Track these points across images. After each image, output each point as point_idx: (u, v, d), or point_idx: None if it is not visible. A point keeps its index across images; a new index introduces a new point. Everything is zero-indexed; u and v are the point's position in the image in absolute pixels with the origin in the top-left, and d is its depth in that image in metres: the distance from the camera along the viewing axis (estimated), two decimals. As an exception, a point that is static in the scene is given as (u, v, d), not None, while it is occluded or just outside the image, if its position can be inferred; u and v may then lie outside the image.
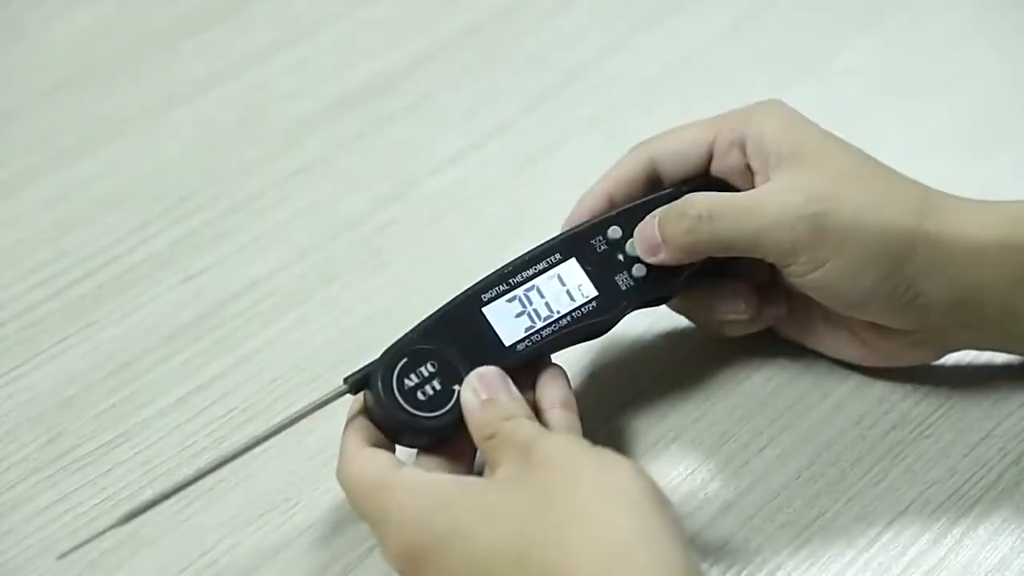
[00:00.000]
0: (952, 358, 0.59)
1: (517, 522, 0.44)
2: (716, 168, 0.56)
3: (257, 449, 0.58)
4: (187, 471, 0.53)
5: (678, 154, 0.56)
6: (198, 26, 0.78)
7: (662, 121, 0.59)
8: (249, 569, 0.54)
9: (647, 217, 0.54)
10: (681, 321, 0.61)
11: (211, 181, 0.70)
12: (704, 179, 0.56)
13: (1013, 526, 0.54)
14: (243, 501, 0.56)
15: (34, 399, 0.60)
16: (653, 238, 0.53)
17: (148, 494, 0.52)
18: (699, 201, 0.52)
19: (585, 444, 0.46)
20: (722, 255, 0.53)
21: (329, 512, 0.56)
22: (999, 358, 0.59)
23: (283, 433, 0.58)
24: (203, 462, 0.57)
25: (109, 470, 0.57)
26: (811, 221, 0.51)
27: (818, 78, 0.75)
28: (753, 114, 0.55)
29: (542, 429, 0.49)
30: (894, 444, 0.57)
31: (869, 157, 0.54)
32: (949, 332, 0.55)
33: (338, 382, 0.60)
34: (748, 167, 0.55)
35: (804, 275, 0.52)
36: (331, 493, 0.56)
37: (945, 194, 0.54)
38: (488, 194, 0.70)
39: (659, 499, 0.44)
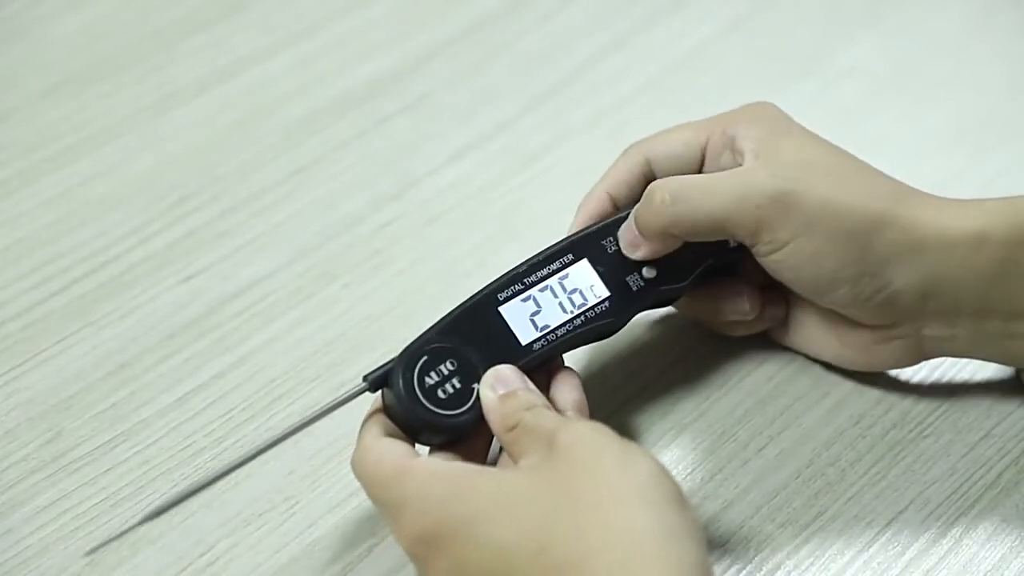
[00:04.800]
0: (951, 359, 0.59)
1: (537, 513, 0.44)
2: (708, 169, 0.56)
3: (257, 448, 0.58)
4: (213, 465, 0.53)
5: (672, 156, 0.57)
6: (197, 26, 0.78)
7: (662, 121, 0.59)
8: (249, 569, 0.54)
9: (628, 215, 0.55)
10: (680, 320, 0.61)
11: (211, 181, 0.70)
12: None
13: (1012, 525, 0.54)
14: (243, 501, 0.56)
15: (33, 399, 0.60)
16: (631, 232, 0.54)
17: (178, 487, 0.52)
18: (664, 185, 0.53)
19: (610, 435, 0.46)
20: (696, 238, 0.53)
21: (329, 512, 0.56)
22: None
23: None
24: (204, 461, 0.58)
25: (108, 470, 0.57)
26: (774, 198, 0.51)
27: (818, 78, 0.75)
28: (741, 115, 0.56)
29: (564, 418, 0.49)
30: (893, 444, 0.57)
31: (848, 154, 0.54)
32: (923, 329, 0.54)
33: (337, 382, 0.60)
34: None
35: (768, 255, 0.52)
36: (331, 493, 0.56)
37: (921, 191, 0.54)
38: (488, 194, 0.70)
39: (679, 497, 0.44)
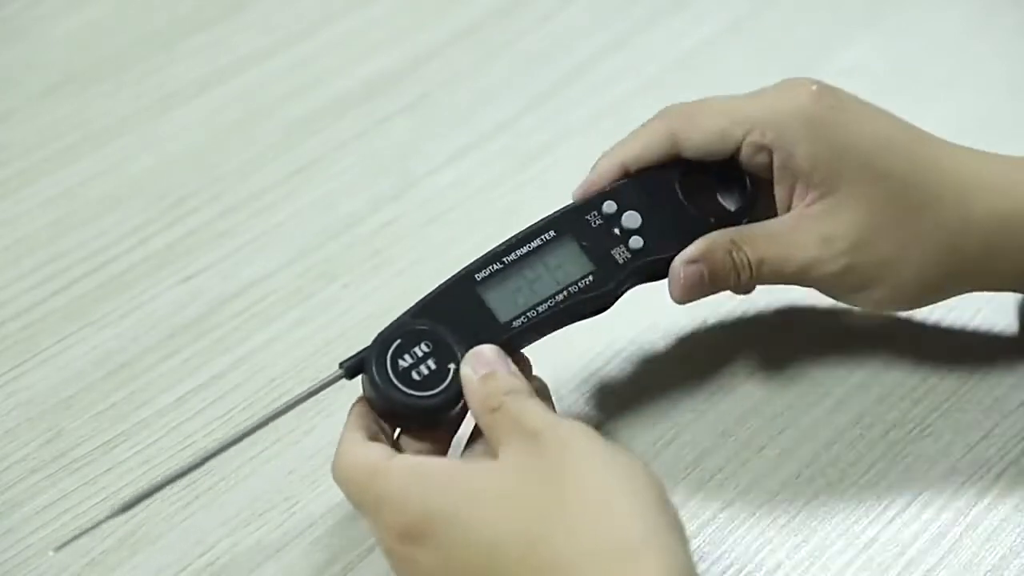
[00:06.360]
0: (951, 355, 0.59)
1: (525, 511, 0.43)
2: (741, 162, 0.55)
3: (256, 448, 0.58)
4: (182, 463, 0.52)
5: (701, 147, 0.54)
6: (197, 25, 0.78)
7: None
8: (249, 569, 0.54)
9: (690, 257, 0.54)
10: (681, 320, 0.61)
11: (211, 181, 0.70)
12: (719, 164, 0.55)
13: (1013, 525, 0.54)
14: (243, 501, 0.56)
15: (33, 399, 0.60)
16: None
17: (144, 484, 0.52)
18: (748, 250, 0.53)
19: (596, 437, 0.46)
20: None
21: (329, 511, 0.56)
22: (998, 357, 0.59)
23: (283, 432, 0.58)
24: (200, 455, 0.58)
25: (108, 469, 0.57)
26: (844, 267, 0.53)
27: (818, 78, 0.75)
28: (785, 126, 0.54)
29: (553, 416, 0.47)
30: (893, 443, 0.57)
31: (909, 171, 0.54)
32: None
33: (338, 380, 0.60)
34: (771, 168, 0.54)
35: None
36: (330, 492, 0.56)
37: (983, 186, 0.54)
38: (487, 194, 0.70)
39: (663, 497, 0.44)
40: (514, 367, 0.49)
